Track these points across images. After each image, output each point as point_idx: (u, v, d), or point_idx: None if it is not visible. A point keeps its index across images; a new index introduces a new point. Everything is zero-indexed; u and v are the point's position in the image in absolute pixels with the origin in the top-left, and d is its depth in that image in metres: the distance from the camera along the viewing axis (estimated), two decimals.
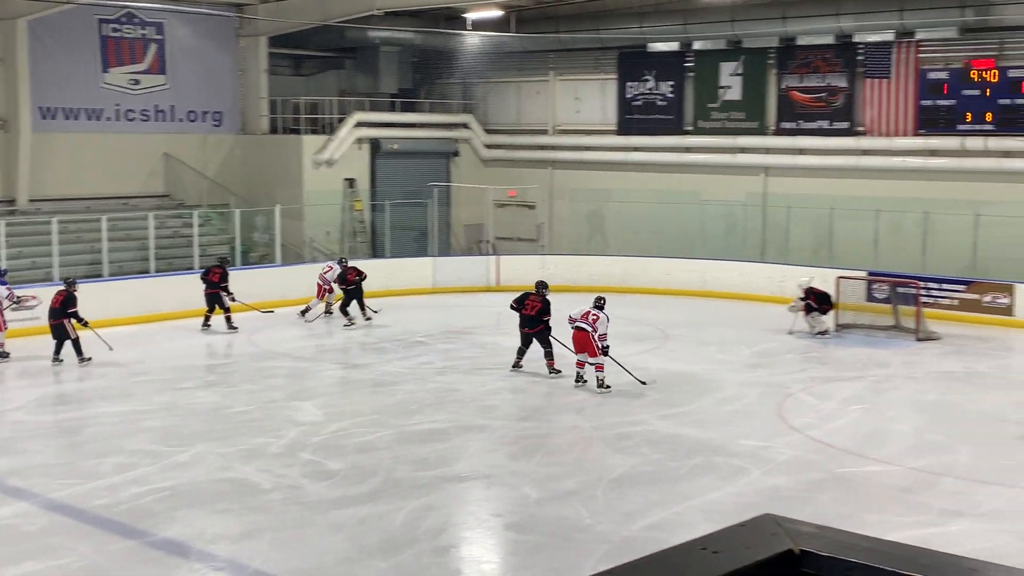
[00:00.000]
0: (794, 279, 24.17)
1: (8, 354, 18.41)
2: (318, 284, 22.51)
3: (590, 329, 16.14)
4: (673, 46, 28.64)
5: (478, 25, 29.30)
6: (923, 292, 21.92)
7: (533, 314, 17.12)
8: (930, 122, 24.62)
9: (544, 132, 31.79)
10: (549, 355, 17.10)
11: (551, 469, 12.36)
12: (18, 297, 19.27)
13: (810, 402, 15.89)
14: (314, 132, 29.55)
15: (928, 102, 24.60)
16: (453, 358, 19.06)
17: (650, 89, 29.40)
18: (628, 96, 29.81)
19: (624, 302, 25.01)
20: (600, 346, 16.09)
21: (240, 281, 22.28)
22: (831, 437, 13.92)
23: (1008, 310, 22.16)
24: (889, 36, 24.98)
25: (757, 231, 27.51)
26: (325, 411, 15.10)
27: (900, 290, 22.00)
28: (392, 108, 31.44)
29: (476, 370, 17.91)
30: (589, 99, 30.90)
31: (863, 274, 22.69)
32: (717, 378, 17.35)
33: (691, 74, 28.67)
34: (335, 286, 22.28)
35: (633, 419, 14.66)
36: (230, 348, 20.15)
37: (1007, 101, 23.53)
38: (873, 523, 10.60)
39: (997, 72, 23.57)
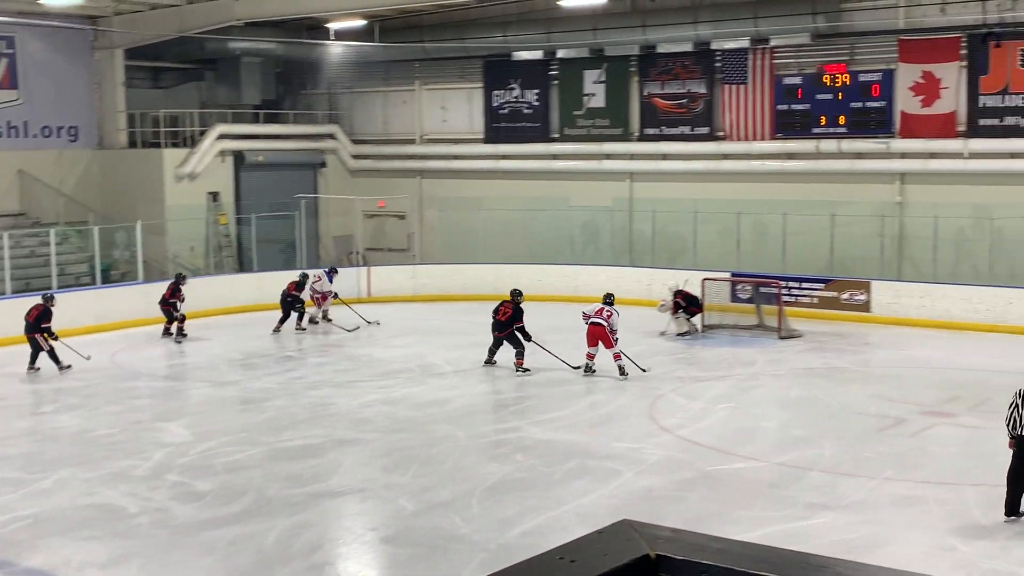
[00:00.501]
0: (662, 282, 24.66)
1: None
2: (312, 297, 23.29)
3: (605, 324, 17.62)
4: (537, 54, 28.91)
5: (341, 35, 29.10)
6: (784, 291, 22.59)
7: (503, 320, 18.35)
8: (786, 126, 25.39)
9: (412, 141, 31.74)
10: (519, 355, 18.17)
11: (426, 480, 12.33)
12: None
13: (679, 402, 16.20)
14: (175, 145, 28.89)
15: (784, 106, 25.36)
16: (325, 372, 18.86)
17: (516, 97, 29.61)
18: (494, 104, 29.97)
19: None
20: (614, 339, 17.58)
21: (103, 300, 21.63)
22: (700, 436, 14.21)
23: (865, 306, 22.97)
24: (745, 43, 25.68)
25: (624, 235, 27.94)
26: (192, 431, 14.76)
27: (763, 290, 22.63)
28: (256, 119, 30.97)
29: (349, 383, 17.76)
30: (456, 108, 30.96)
31: (727, 275, 23.26)
32: (589, 382, 17.56)
33: (556, 82, 28.98)
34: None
35: (507, 426, 14.73)
36: (91, 370, 19.53)
37: (859, 104, 24.41)
38: (742, 519, 10.87)
39: (849, 76, 24.44)
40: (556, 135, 29.12)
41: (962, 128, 23.32)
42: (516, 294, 18.85)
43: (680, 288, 21.50)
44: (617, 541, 1.99)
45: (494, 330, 18.56)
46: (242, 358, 20.08)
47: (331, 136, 31.98)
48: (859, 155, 24.64)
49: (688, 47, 26.58)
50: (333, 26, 28.45)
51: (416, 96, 31.62)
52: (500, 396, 16.56)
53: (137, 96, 29.78)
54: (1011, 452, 10.84)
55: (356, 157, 32.13)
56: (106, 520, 11.11)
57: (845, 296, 23.33)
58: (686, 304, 21.35)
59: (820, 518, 10.95)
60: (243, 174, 29.69)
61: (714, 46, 26.22)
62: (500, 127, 29.95)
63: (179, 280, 22.31)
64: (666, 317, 21.46)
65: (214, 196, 28.91)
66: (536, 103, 29.29)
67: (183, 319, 21.77)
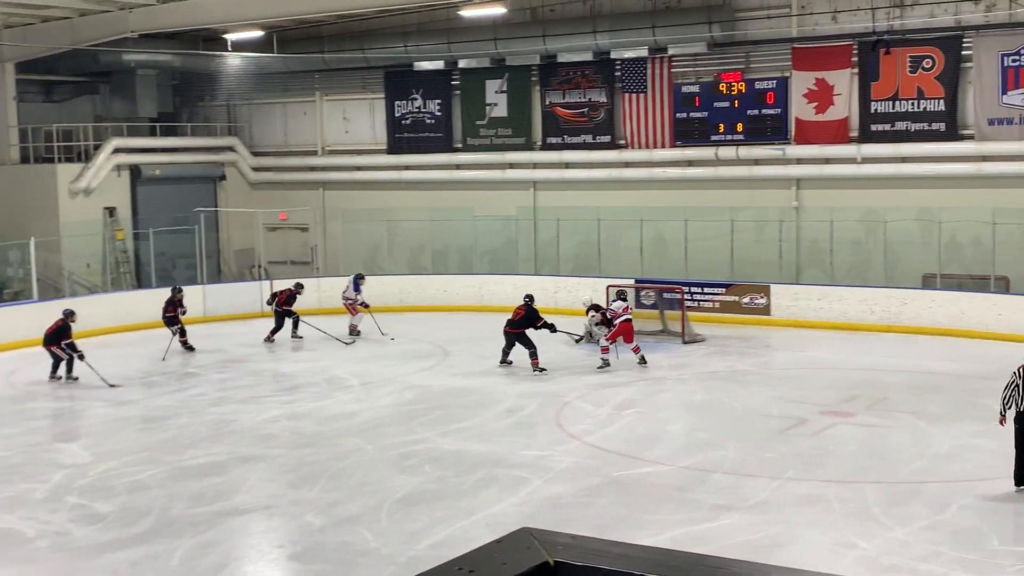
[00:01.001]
0: (567, 290, 24.87)
1: None
2: (345, 305, 23.32)
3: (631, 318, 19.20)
4: (439, 65, 28.91)
5: (239, 46, 28.74)
6: (687, 297, 22.91)
7: (516, 320, 19.20)
8: (686, 133, 25.78)
9: (313, 153, 31.49)
10: (533, 355, 18.80)
11: (334, 495, 12.21)
12: None
13: (586, 409, 16.31)
14: (69, 160, 28.23)
15: (683, 114, 25.75)
16: (228, 388, 18.56)
17: (418, 108, 29.57)
18: (397, 115, 29.89)
19: (402, 320, 25.10)
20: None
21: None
22: (607, 442, 14.32)
23: (766, 310, 23.41)
24: (643, 52, 26.01)
25: (529, 244, 28.08)
26: (92, 451, 14.41)
27: (666, 295, 22.92)
28: (152, 133, 30.43)
29: (253, 399, 17.51)
30: (358, 119, 30.81)
31: (631, 282, 23.49)
32: (497, 391, 17.58)
33: (458, 92, 29.01)
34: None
35: (415, 438, 14.67)
36: None
37: (755, 112, 24.90)
38: (649, 523, 10.98)
39: (745, 84, 24.92)
40: (459, 145, 29.15)
41: (855, 134, 23.95)
42: (530, 299, 19.71)
43: (593, 303, 21.72)
44: (516, 550, 2.00)
45: (506, 327, 19.27)
46: (142, 376, 19.67)
47: (230, 148, 31.57)
48: (756, 161, 25.14)
49: (588, 56, 26.83)
50: (230, 37, 28.09)
51: (317, 107, 31.39)
52: (408, 408, 16.49)
53: (29, 110, 29.05)
54: (1002, 427, 11.80)
55: (256, 169, 31.77)
56: (3, 545, 10.79)
57: (746, 300, 23.75)
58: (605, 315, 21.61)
59: (725, 519, 11.11)
60: (140, 188, 29.14)
61: (613, 55, 26.52)
62: (403, 137, 29.88)
63: (176, 293, 22.21)
64: (594, 329, 21.69)
65: (110, 211, 28.31)
66: (439, 113, 29.29)
67: (184, 332, 21.92)
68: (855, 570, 9.76)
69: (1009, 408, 11.70)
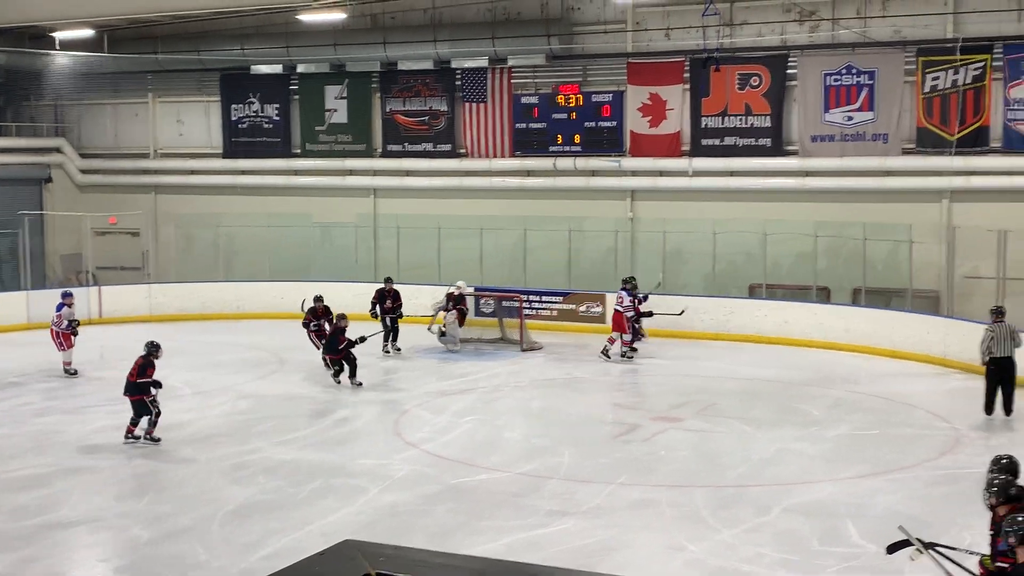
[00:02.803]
0: (407, 298, 24.74)
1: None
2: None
3: (620, 309, 20.40)
4: (277, 69, 28.44)
5: (67, 45, 27.67)
6: (526, 305, 23.15)
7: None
8: (524, 144, 26.06)
9: (146, 156, 30.59)
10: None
11: (163, 507, 11.88)
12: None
13: (425, 417, 16.30)
14: None
15: (522, 125, 26.03)
16: (54, 397, 17.86)
17: (255, 112, 29.06)
18: (233, 119, 29.30)
19: (238, 329, 24.62)
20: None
21: None
22: (445, 449, 14.35)
23: (601, 318, 23.82)
24: (483, 62, 26.19)
25: (369, 252, 27.90)
26: None
27: (505, 304, 23.12)
28: None
29: (80, 409, 16.88)
30: (193, 122, 30.09)
31: (471, 290, 23.56)
32: (334, 399, 17.42)
33: (296, 97, 28.63)
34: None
35: (249, 447, 14.40)
36: None
37: (592, 124, 25.36)
38: (486, 529, 11.05)
39: (582, 97, 25.36)
40: (298, 150, 28.77)
41: (687, 147, 24.64)
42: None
43: (460, 292, 21.85)
44: (338, 561, 2.00)
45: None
46: None
47: (57, 150, 30.43)
48: (593, 173, 25.59)
49: (429, 65, 26.85)
50: (59, 35, 27.04)
51: (150, 109, 30.52)
52: (242, 417, 16.17)
53: None
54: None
55: (85, 172, 30.67)
56: None
57: (583, 308, 24.15)
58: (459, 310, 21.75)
59: (560, 525, 11.26)
60: None
61: (454, 64, 26.60)
62: (239, 142, 29.31)
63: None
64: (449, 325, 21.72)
65: None
66: (277, 118, 28.85)
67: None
68: (684, 572, 10.03)
69: (986, 356, 15.72)
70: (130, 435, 14.71)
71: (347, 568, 1.86)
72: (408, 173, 27.63)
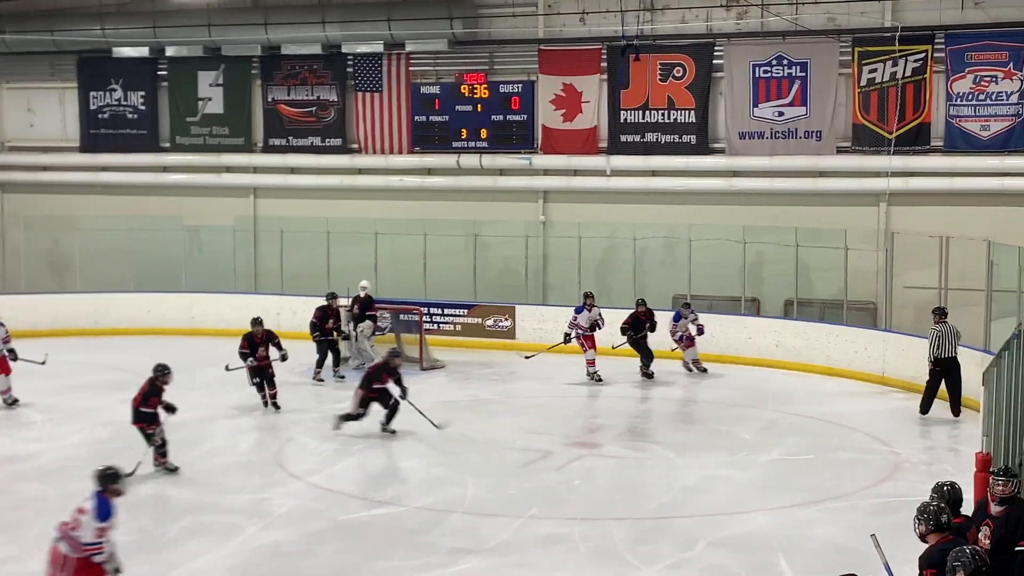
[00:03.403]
0: (292, 311, 24.58)
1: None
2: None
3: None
4: (143, 51, 27.97)
5: None
6: (426, 319, 23.08)
7: (644, 319, 20.89)
8: (425, 139, 26.01)
9: None
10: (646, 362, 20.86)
11: (8, 550, 11.59)
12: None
13: (311, 445, 16.15)
14: None
15: (422, 118, 25.97)
16: None
17: (118, 100, 28.57)
18: (92, 108, 28.75)
19: (97, 346, 24.12)
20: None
21: None
22: (334, 482, 14.22)
23: (510, 333, 23.88)
24: (378, 47, 26.07)
25: (249, 258, 27.56)
26: None
27: (402, 317, 22.99)
28: None
29: None
30: (45, 111, 29.43)
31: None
32: (207, 426, 17.16)
33: (165, 84, 28.21)
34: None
35: None
36: None
37: (500, 117, 25.41)
38: (380, 571, 10.99)
39: (488, 88, 25.39)
40: (167, 144, 28.34)
41: (604, 144, 24.84)
42: (642, 303, 21.01)
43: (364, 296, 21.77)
44: None
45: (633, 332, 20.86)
46: None
47: None
48: (501, 172, 25.64)
49: (316, 49, 26.64)
50: None
51: None
52: (101, 447, 15.80)
53: None
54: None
55: None
56: None
57: (489, 322, 24.17)
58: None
59: (464, 564, 11.22)
60: None
61: (345, 50, 26.44)
62: (99, 134, 28.77)
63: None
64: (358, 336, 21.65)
65: None
66: (142, 107, 28.38)
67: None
68: None
69: (932, 357, 17.32)
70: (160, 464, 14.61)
71: None
72: (293, 170, 27.38)
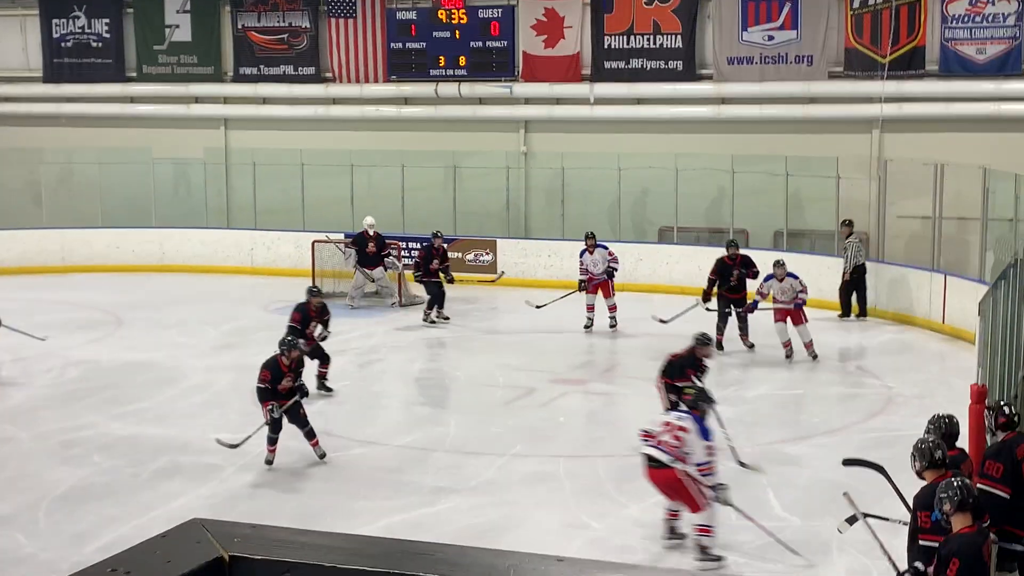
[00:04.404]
0: (265, 246, 24.52)
1: None
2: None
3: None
4: None
5: None
6: (405, 254, 23.05)
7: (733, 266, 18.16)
8: (401, 67, 25.80)
9: None
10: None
11: None
12: None
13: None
14: None
15: (398, 45, 25.75)
16: None
17: (82, 28, 28.22)
18: (55, 36, 28.39)
19: (65, 284, 24.03)
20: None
21: None
22: (313, 421, 14.13)
23: (491, 267, 23.87)
24: None
25: (220, 192, 27.43)
26: None
27: (381, 252, 22.92)
28: None
29: None
30: (6, 39, 29.03)
31: (341, 236, 23.39)
32: (181, 365, 17.15)
33: (130, 10, 27.87)
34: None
35: (80, 423, 14.12)
36: None
37: (479, 44, 25.21)
38: (361, 511, 11.06)
39: (466, 13, 25.16)
40: (134, 74, 28.05)
41: (587, 71, 24.68)
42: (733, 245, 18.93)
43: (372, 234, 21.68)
44: (184, 544, 1.94)
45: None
46: None
47: None
48: (481, 100, 25.49)
49: None
50: None
51: None
52: (72, 387, 15.83)
53: None
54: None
55: None
56: None
57: (470, 257, 24.15)
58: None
59: (446, 503, 11.32)
60: None
61: None
62: (63, 63, 28.45)
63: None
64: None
65: None
66: (107, 35, 28.05)
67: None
68: (586, 552, 10.15)
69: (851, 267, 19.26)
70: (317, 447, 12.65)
71: (195, 552, 1.79)
72: (265, 100, 27.16)
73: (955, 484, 7.04)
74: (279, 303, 21.05)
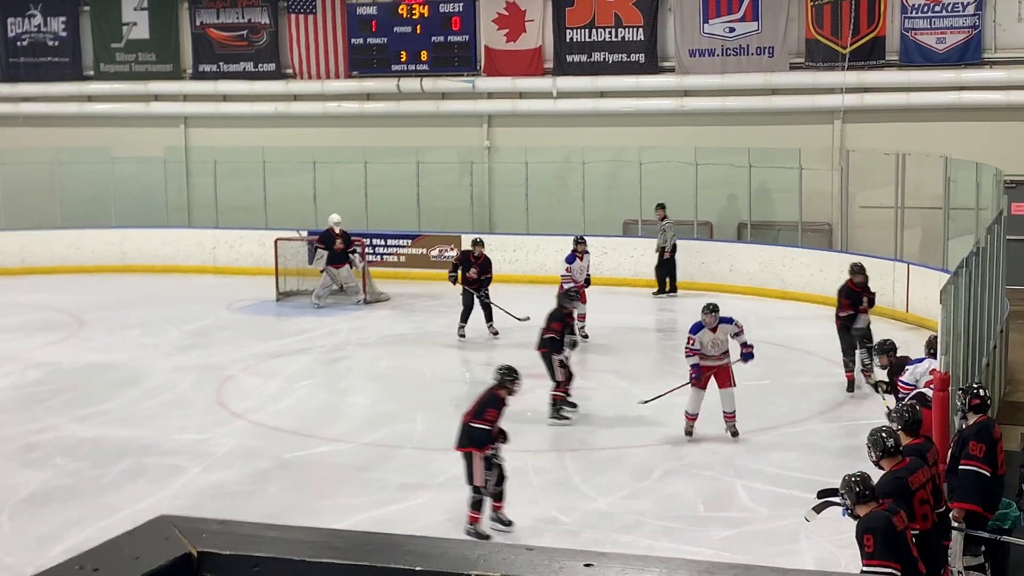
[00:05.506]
0: (228, 244, 24.44)
1: None
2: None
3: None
4: None
5: None
6: (368, 250, 23.01)
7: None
8: (362, 62, 25.76)
9: None
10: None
11: None
12: None
13: (253, 383, 16.14)
14: None
15: (359, 40, 25.70)
16: None
17: (38, 26, 28.03)
18: (11, 35, 28.21)
19: (24, 286, 23.85)
20: None
21: None
22: (278, 420, 14.23)
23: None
24: None
25: (181, 191, 27.28)
26: None
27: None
28: None
29: None
30: None
31: (304, 234, 23.32)
32: (143, 366, 17.06)
33: (87, 8, 27.70)
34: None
35: (42, 425, 14.04)
36: None
37: (440, 39, 25.21)
38: (327, 509, 11.04)
39: (428, 7, 25.14)
40: (91, 72, 27.90)
41: (549, 65, 24.72)
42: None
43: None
44: (152, 541, 1.94)
45: None
46: None
47: None
48: (444, 95, 25.49)
49: None
50: None
51: None
52: (32, 390, 15.71)
53: None
54: None
55: None
56: None
57: (435, 253, 24.13)
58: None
59: (414, 499, 11.32)
60: None
61: None
62: (19, 63, 28.26)
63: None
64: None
65: None
66: (63, 34, 27.86)
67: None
68: (556, 545, 10.18)
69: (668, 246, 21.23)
70: (497, 514, 10.74)
71: (163, 548, 1.79)
72: (225, 98, 27.05)
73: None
74: (242, 301, 21.01)
